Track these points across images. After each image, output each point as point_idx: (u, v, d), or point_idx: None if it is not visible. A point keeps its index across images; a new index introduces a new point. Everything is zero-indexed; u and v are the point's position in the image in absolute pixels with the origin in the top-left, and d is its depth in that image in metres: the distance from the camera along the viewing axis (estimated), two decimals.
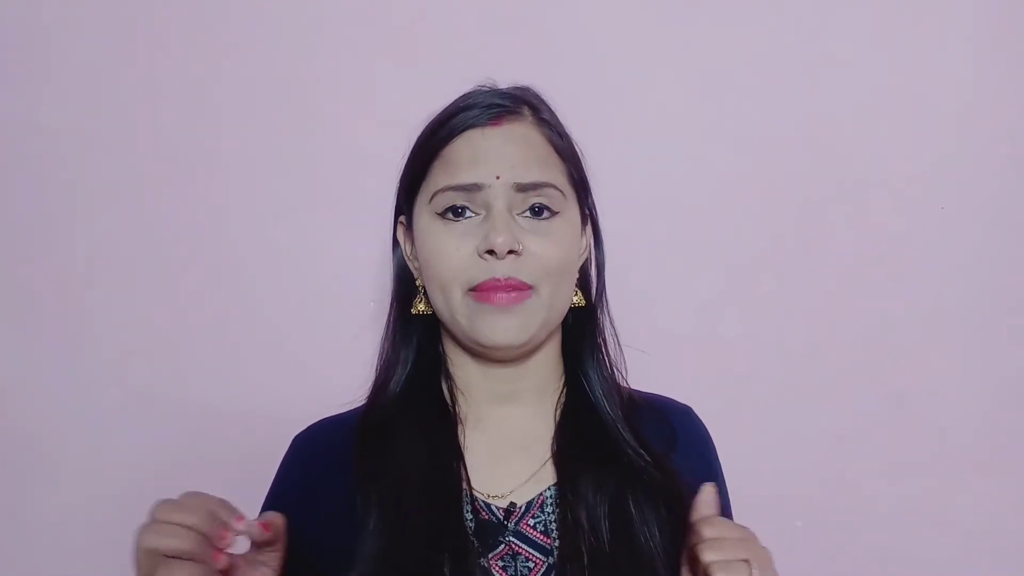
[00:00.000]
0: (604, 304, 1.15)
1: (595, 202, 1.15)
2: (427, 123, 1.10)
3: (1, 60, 1.58)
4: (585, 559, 0.98)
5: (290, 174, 1.58)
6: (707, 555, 0.88)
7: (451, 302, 1.03)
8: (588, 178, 1.12)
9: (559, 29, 1.58)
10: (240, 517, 0.87)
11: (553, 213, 1.04)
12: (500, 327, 1.01)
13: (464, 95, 1.09)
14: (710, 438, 1.17)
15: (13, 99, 1.58)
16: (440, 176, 1.04)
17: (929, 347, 1.60)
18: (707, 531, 0.90)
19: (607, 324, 1.15)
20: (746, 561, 0.87)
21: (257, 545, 0.91)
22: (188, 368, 1.58)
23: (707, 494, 0.93)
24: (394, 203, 1.16)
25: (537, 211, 1.03)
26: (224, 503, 0.88)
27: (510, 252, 0.99)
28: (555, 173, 1.05)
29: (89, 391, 1.58)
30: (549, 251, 1.02)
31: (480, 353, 1.07)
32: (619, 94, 1.59)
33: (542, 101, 1.11)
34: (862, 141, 1.59)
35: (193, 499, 0.87)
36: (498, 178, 1.01)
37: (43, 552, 1.57)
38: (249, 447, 1.44)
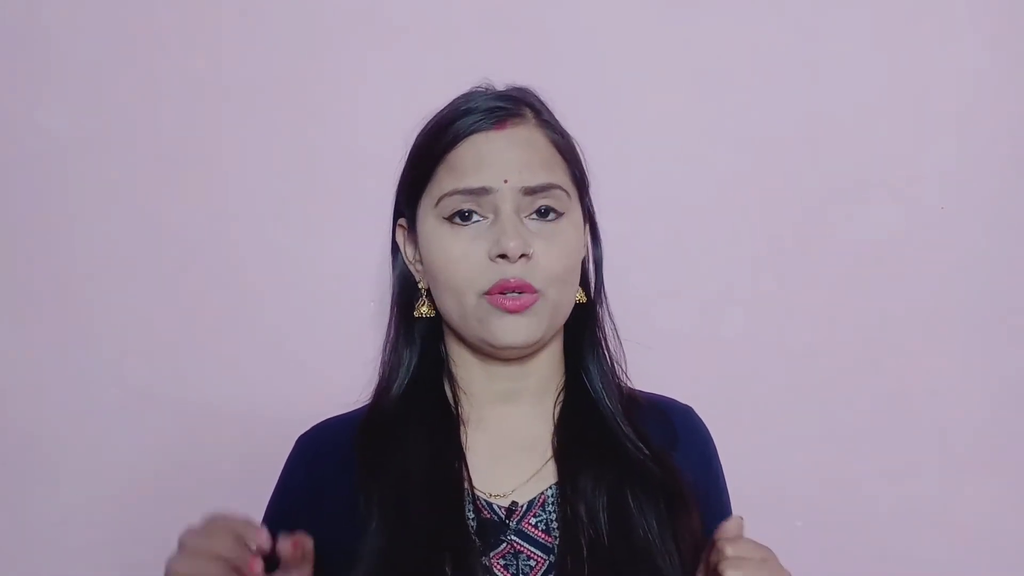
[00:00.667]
0: (603, 300, 1.16)
1: (593, 200, 1.15)
2: (424, 125, 1.10)
3: (1, 60, 1.58)
4: (584, 552, 0.99)
5: (290, 174, 1.58)
6: (730, 573, 0.88)
7: (465, 307, 1.04)
8: (587, 177, 1.13)
9: (559, 29, 1.58)
10: (260, 531, 0.88)
11: (559, 214, 1.05)
12: (512, 329, 1.02)
13: (462, 97, 1.09)
14: (711, 438, 1.18)
15: (13, 99, 1.58)
16: (446, 180, 1.04)
17: (929, 347, 1.60)
18: (729, 549, 0.90)
19: (606, 319, 1.15)
20: None
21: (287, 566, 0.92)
22: (188, 368, 1.58)
23: (734, 522, 0.94)
24: (392, 205, 1.16)
25: (543, 212, 1.04)
26: (248, 522, 0.89)
27: (522, 256, 1.00)
28: (559, 174, 1.06)
29: (89, 391, 1.58)
30: (556, 255, 1.03)
31: (487, 353, 1.08)
32: (619, 94, 1.59)
33: (541, 101, 1.11)
34: (862, 141, 1.59)
35: (219, 524, 0.89)
36: (506, 182, 1.01)
37: (43, 552, 1.57)
38: (249, 447, 1.45)
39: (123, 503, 1.56)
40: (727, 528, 0.93)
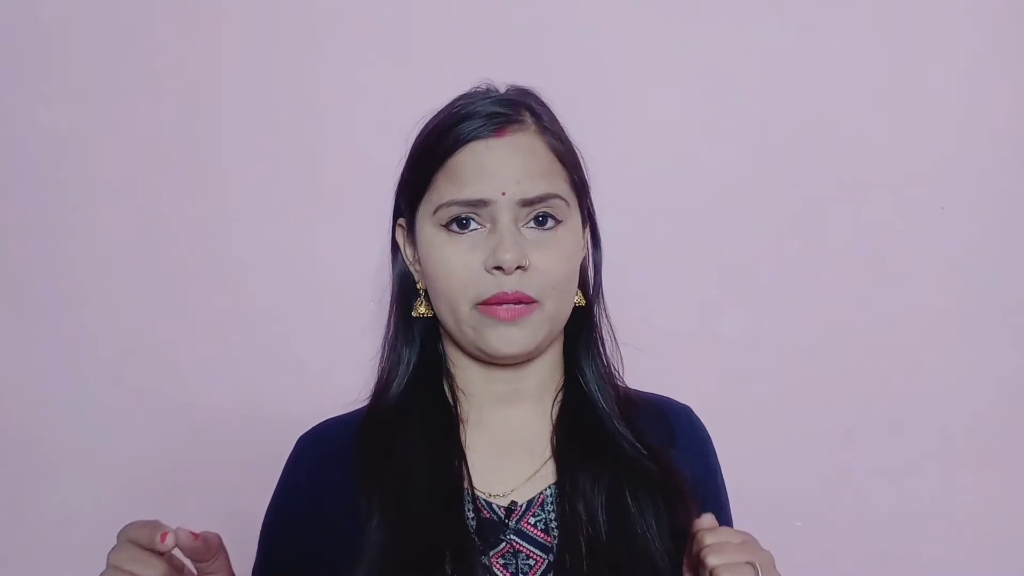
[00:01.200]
0: (601, 302, 1.16)
1: (593, 202, 1.15)
2: (424, 125, 1.09)
3: (1, 60, 1.58)
4: (583, 550, 0.99)
5: (290, 175, 1.58)
6: (712, 559, 0.89)
7: (458, 315, 1.04)
8: (587, 179, 1.12)
9: (558, 28, 1.58)
10: (165, 534, 0.86)
11: (557, 222, 1.04)
12: (506, 339, 1.02)
13: (462, 99, 1.08)
14: (709, 437, 1.17)
15: (13, 99, 1.58)
16: (445, 189, 1.03)
17: (929, 347, 1.60)
18: (708, 537, 0.91)
19: (604, 322, 1.15)
20: (750, 563, 0.89)
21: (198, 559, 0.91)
22: (188, 368, 1.58)
23: (707, 517, 0.95)
24: (392, 205, 1.15)
25: (541, 221, 1.03)
26: (154, 524, 0.88)
27: (518, 268, 1.00)
28: (558, 182, 1.05)
29: (89, 392, 1.59)
30: (554, 264, 1.03)
31: (483, 358, 1.08)
32: (619, 94, 1.59)
33: (542, 104, 1.10)
34: (862, 141, 1.59)
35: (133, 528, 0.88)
36: (504, 194, 1.01)
37: (43, 552, 1.57)
38: (249, 447, 1.45)
39: (124, 503, 1.56)
40: (703, 521, 0.94)
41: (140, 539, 0.86)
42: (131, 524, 0.88)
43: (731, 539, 0.92)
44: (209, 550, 0.89)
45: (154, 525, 0.86)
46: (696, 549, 0.92)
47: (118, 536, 0.87)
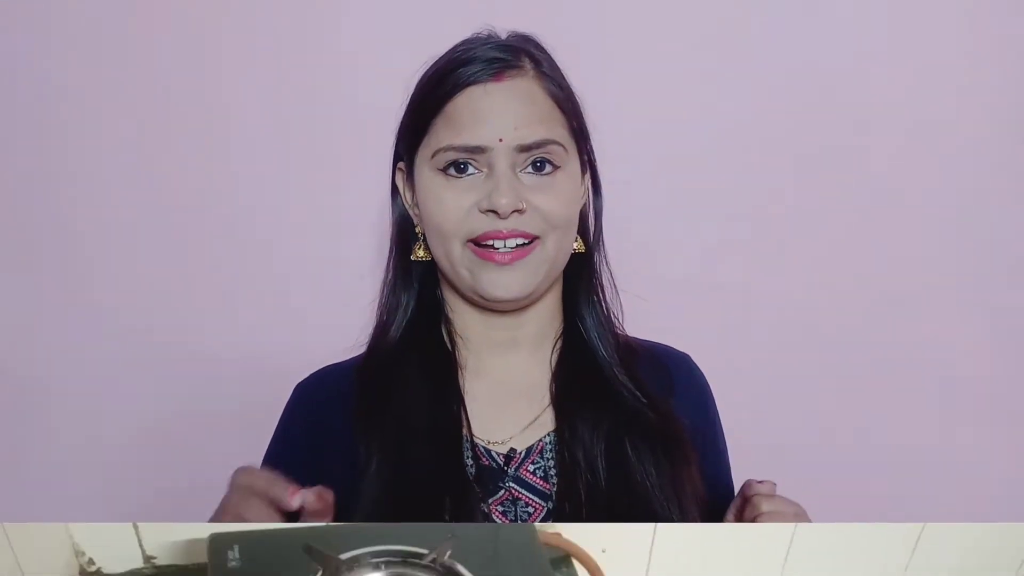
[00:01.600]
0: (601, 249, 1.15)
1: (594, 149, 1.13)
2: (425, 71, 1.08)
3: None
4: (582, 498, 1.00)
5: (290, 124, 1.58)
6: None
7: (452, 255, 1.03)
8: (587, 125, 1.11)
9: None
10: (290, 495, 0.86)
11: (555, 167, 1.03)
12: (502, 283, 1.02)
13: (463, 45, 1.06)
14: (708, 386, 1.17)
15: (13, 49, 1.56)
16: (442, 134, 1.02)
17: (929, 296, 1.60)
18: (766, 505, 0.92)
19: (604, 269, 1.15)
20: None
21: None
22: (188, 317, 1.58)
23: (766, 485, 0.95)
24: (392, 149, 1.15)
25: (539, 166, 1.03)
26: (275, 484, 0.87)
27: (515, 212, 0.99)
28: (557, 128, 1.04)
29: (89, 341, 1.59)
30: (552, 206, 1.02)
31: (480, 303, 1.07)
32: (620, 40, 1.57)
33: (542, 50, 1.09)
34: (864, 87, 1.58)
35: (248, 485, 0.87)
36: (501, 140, 1.00)
37: (42, 502, 1.58)
38: (250, 395, 1.45)
39: (122, 451, 1.57)
40: (762, 487, 0.95)
41: (266, 493, 0.84)
42: (250, 473, 0.87)
43: (786, 509, 0.93)
44: (328, 511, 0.88)
45: (281, 483, 0.85)
46: (749, 515, 0.93)
47: (234, 482, 0.86)
